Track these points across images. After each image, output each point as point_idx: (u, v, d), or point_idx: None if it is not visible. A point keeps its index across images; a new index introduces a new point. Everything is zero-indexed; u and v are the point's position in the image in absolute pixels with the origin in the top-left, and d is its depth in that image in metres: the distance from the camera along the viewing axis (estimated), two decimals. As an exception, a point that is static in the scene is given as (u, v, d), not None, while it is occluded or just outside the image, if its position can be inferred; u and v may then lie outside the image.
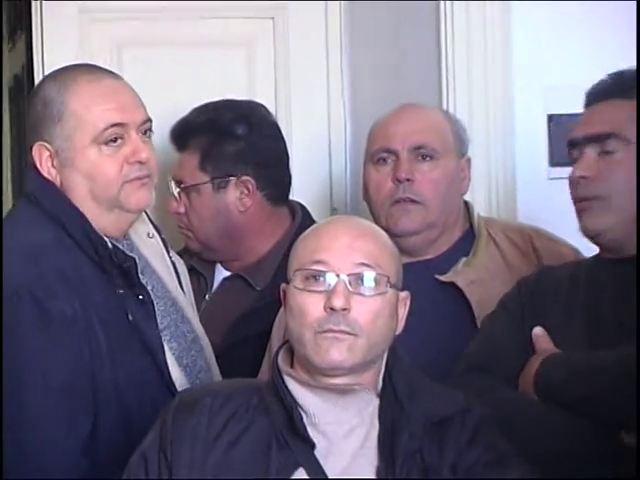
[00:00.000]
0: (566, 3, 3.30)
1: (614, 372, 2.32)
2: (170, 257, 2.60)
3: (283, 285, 2.23)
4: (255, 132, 3.05)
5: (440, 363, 2.52)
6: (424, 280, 2.74)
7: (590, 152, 2.46)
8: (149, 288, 2.47)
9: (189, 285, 2.74)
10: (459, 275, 2.76)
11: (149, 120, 2.47)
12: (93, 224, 2.40)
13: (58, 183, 2.42)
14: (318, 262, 2.13)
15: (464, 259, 2.79)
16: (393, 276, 2.17)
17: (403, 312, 2.23)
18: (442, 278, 2.76)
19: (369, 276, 2.13)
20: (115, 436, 2.38)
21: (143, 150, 2.41)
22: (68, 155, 2.40)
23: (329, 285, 2.12)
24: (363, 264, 2.14)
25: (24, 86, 3.82)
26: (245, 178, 2.96)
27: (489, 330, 2.54)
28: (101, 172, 2.40)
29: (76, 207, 2.39)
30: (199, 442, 2.21)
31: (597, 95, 2.48)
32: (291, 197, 3.18)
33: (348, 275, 2.12)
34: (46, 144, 2.36)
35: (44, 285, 2.35)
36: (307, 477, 2.16)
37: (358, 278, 2.12)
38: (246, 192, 2.97)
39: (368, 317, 2.13)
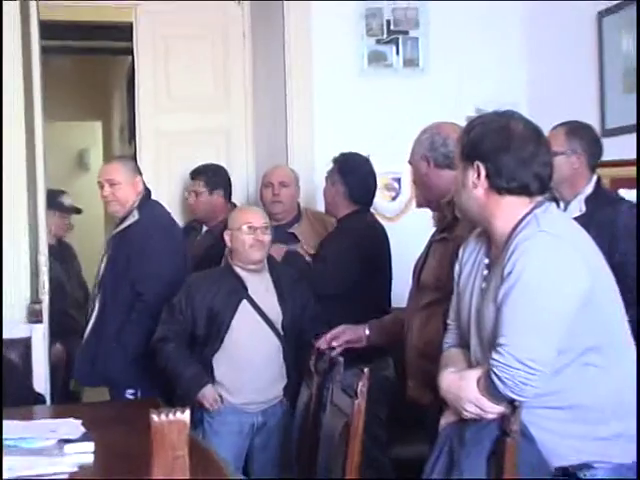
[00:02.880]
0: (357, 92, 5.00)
1: None
2: None
3: (227, 231, 3.92)
4: (211, 176, 5.25)
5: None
6: (280, 233, 4.62)
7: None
8: None
9: None
10: (296, 230, 4.77)
11: None
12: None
13: None
14: (250, 222, 3.89)
15: (296, 224, 4.83)
16: (270, 227, 3.90)
17: None
18: (289, 231, 4.76)
19: (268, 226, 3.89)
20: None
21: None
22: None
23: (255, 230, 3.84)
24: (264, 222, 3.92)
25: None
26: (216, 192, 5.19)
27: None
28: None
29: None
30: (200, 294, 3.85)
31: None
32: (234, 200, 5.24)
33: (260, 227, 3.87)
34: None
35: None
36: (249, 305, 3.79)
37: (264, 227, 3.87)
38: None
39: (269, 241, 3.91)
